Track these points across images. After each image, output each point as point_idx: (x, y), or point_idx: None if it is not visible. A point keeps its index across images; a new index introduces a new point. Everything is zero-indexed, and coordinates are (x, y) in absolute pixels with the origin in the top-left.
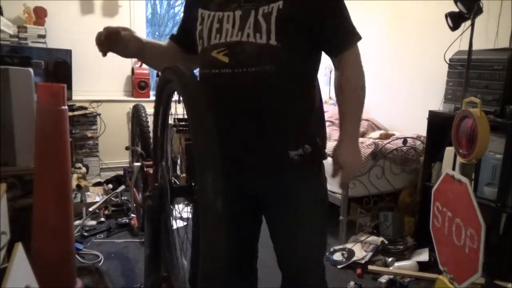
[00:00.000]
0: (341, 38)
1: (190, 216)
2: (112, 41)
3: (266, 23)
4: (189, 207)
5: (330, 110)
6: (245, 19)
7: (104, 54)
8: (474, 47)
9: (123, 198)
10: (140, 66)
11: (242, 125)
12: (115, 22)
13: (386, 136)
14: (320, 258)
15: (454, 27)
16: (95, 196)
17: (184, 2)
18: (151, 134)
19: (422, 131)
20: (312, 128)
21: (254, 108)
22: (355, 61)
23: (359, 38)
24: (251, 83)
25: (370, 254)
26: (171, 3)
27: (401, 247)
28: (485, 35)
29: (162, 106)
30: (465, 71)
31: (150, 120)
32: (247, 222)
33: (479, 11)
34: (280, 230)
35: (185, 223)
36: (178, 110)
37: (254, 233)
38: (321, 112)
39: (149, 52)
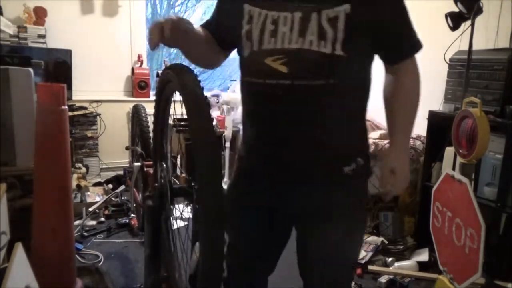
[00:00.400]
0: (406, 46)
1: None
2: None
3: (333, 29)
4: (189, 207)
5: None
6: (306, 23)
7: (154, 47)
8: (474, 47)
9: (123, 198)
10: (140, 66)
11: (296, 141)
12: (115, 22)
13: (386, 136)
14: (352, 271)
15: (454, 27)
16: (95, 196)
17: None
18: (151, 134)
19: (422, 131)
20: (364, 139)
21: (311, 123)
22: (414, 70)
23: (421, 46)
24: (313, 97)
25: (370, 254)
26: (171, 3)
27: (401, 247)
28: (485, 35)
29: (162, 106)
30: (465, 71)
31: (150, 120)
32: (277, 237)
33: (479, 11)
34: (319, 243)
35: (185, 223)
36: (178, 110)
37: (281, 248)
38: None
39: (197, 45)
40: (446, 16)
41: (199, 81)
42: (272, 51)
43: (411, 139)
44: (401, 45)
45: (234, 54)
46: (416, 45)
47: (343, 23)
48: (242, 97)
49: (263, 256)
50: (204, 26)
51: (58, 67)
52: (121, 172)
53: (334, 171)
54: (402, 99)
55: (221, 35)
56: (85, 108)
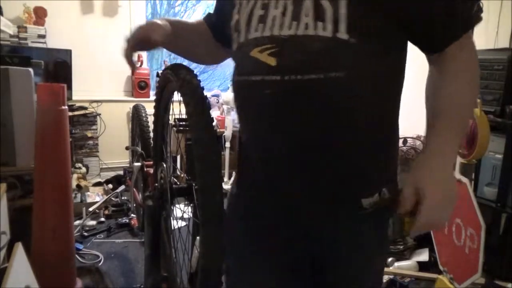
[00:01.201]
0: (449, 22)
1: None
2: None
3: (333, 6)
4: (189, 207)
5: None
6: (301, 1)
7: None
8: None
9: (123, 198)
10: (140, 66)
11: (293, 162)
12: (115, 22)
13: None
14: None
15: None
16: (95, 196)
17: None
18: (151, 134)
19: (422, 131)
20: (392, 162)
21: (313, 136)
22: (466, 56)
23: (478, 19)
24: (311, 97)
25: None
26: (171, 3)
27: (401, 247)
28: (485, 35)
29: (162, 106)
30: None
31: (150, 120)
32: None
33: (479, 11)
34: None
35: (185, 223)
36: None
37: None
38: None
39: (183, 41)
40: None
41: (199, 81)
42: (259, 39)
43: (410, 139)
44: (441, 22)
45: None
46: (468, 20)
47: None
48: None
49: None
50: (206, 19)
51: (58, 67)
52: (121, 172)
53: (348, 204)
54: (446, 95)
55: (218, 29)
56: (85, 108)
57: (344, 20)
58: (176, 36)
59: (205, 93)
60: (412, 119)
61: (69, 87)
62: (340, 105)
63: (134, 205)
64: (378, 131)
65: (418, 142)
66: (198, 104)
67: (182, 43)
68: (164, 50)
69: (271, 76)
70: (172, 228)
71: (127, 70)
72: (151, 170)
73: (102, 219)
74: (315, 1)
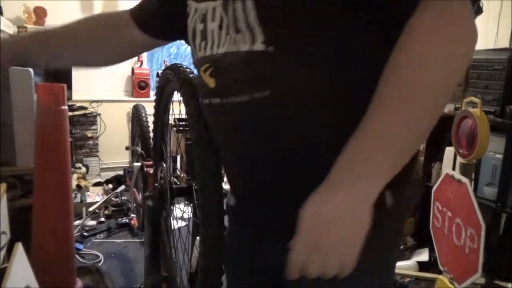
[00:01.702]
0: None
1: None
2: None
3: (244, 11)
4: (189, 207)
5: None
6: (227, 11)
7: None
8: None
9: (123, 198)
10: (140, 66)
11: (250, 188)
12: None
13: None
14: None
15: None
16: (95, 196)
17: None
18: (151, 134)
19: None
20: None
21: (260, 161)
22: (436, 24)
23: None
24: (244, 121)
25: None
26: None
27: (401, 247)
28: (485, 35)
29: (162, 106)
30: (465, 71)
31: (150, 120)
32: None
33: (479, 11)
34: None
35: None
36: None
37: None
38: None
39: (62, 48)
40: None
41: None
42: (203, 59)
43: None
44: None
45: None
46: None
47: None
48: None
49: None
50: (132, 11)
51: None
52: (121, 172)
53: None
54: (395, 65)
55: (152, 16)
56: (85, 108)
57: (257, 26)
58: (44, 47)
59: None
60: None
61: (69, 87)
62: (275, 128)
63: (134, 205)
64: (338, 144)
65: None
66: (198, 104)
67: (60, 51)
68: (164, 50)
69: (214, 99)
70: (172, 228)
71: (127, 70)
72: (151, 170)
73: (102, 219)
74: (233, 8)
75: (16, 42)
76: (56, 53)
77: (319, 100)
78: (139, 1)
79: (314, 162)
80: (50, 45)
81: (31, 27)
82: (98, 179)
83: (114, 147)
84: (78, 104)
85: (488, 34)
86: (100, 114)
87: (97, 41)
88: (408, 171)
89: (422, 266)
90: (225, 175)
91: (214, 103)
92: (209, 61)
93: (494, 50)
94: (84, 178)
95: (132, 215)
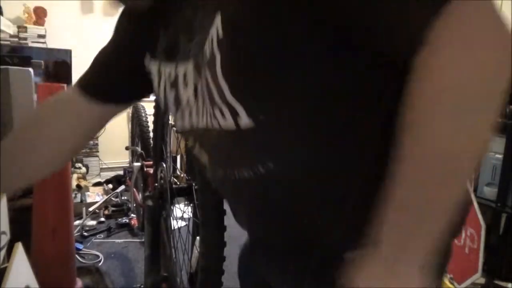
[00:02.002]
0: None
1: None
2: None
3: (214, 81)
4: (189, 207)
5: None
6: (198, 79)
7: None
8: None
9: (123, 198)
10: None
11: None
12: (115, 22)
13: None
14: None
15: None
16: (95, 196)
17: (116, 26)
18: (151, 134)
19: None
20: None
21: (274, 228)
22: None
23: None
24: (254, 193)
25: None
26: None
27: None
28: None
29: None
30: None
31: (150, 120)
32: None
33: None
34: None
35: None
36: None
37: None
38: None
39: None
40: None
41: None
42: (184, 131)
43: None
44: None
45: None
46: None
47: (220, 63)
48: None
49: None
50: (82, 86)
51: (58, 67)
52: (121, 172)
53: (328, 260)
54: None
55: (113, 86)
56: None
57: (232, 99)
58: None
59: None
60: None
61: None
62: (284, 194)
63: (134, 205)
64: (356, 192)
65: None
66: None
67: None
68: None
69: (215, 169)
70: (172, 228)
71: None
72: (151, 170)
73: (102, 219)
74: (206, 80)
75: None
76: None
77: (326, 159)
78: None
79: (326, 220)
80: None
81: (31, 27)
82: (98, 179)
83: (114, 147)
84: None
85: None
86: None
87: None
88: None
89: None
90: None
91: (217, 178)
92: (192, 135)
93: None
94: (84, 178)
95: (132, 215)
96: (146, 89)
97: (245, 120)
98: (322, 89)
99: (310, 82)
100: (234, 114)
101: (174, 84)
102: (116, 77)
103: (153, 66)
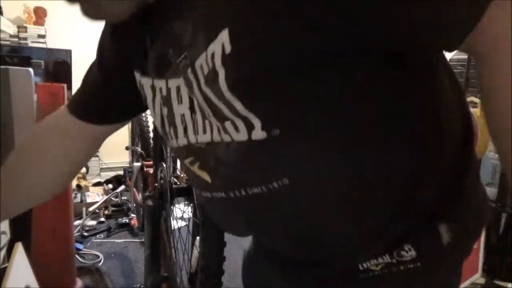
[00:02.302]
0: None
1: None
2: None
3: (219, 98)
4: (189, 207)
5: None
6: (192, 95)
7: None
8: None
9: (123, 198)
10: None
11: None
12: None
13: None
14: None
15: None
16: (95, 196)
17: (98, 45)
18: (151, 134)
19: None
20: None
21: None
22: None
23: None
24: (266, 209)
25: None
26: None
27: None
28: None
29: None
30: (465, 71)
31: (150, 120)
32: None
33: None
34: None
35: (185, 223)
36: None
37: None
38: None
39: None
40: None
41: None
42: (181, 150)
43: None
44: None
45: None
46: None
47: (225, 80)
48: None
49: None
50: (73, 110)
51: (58, 67)
52: (121, 172)
53: (345, 269)
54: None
55: (105, 107)
56: None
57: (248, 114)
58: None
59: None
60: None
61: (69, 87)
62: (302, 211)
63: (134, 205)
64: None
65: None
66: None
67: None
68: None
69: (217, 193)
70: (172, 228)
71: None
72: (151, 170)
73: (102, 219)
74: (200, 91)
75: None
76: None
77: (346, 174)
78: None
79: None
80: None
81: (31, 27)
82: (98, 179)
83: (114, 147)
84: None
85: None
86: None
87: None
88: (468, 191)
89: None
90: None
91: (219, 197)
92: (190, 153)
93: None
94: (84, 178)
95: (132, 215)
96: (139, 106)
97: (260, 133)
98: (344, 100)
99: (331, 93)
100: (249, 127)
101: (167, 100)
102: (107, 98)
103: (145, 83)
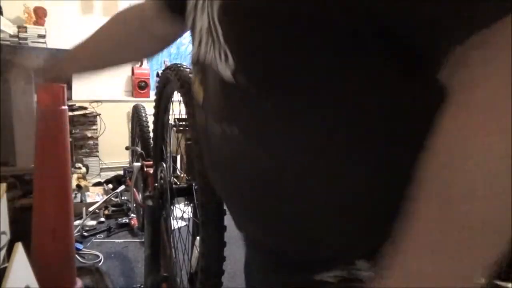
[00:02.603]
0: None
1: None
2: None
3: (213, 19)
4: (189, 207)
5: None
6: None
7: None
8: None
9: (123, 198)
10: (140, 66)
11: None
12: None
13: None
14: None
15: None
16: (95, 196)
17: None
18: (151, 134)
19: None
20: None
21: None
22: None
23: None
24: (217, 152)
25: None
26: None
27: None
28: None
29: (162, 106)
30: None
31: (150, 120)
32: None
33: None
34: None
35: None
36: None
37: None
38: None
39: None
40: None
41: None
42: (193, 59)
43: None
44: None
45: None
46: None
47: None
48: None
49: None
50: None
51: None
52: (121, 172)
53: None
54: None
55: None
56: (85, 108)
57: (224, 44)
58: (79, 67)
59: None
60: None
61: (69, 87)
62: (247, 165)
63: (134, 205)
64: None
65: None
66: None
67: (102, 58)
68: (165, 50)
69: (200, 114)
70: (172, 228)
71: (127, 70)
72: (151, 170)
73: (102, 219)
74: (207, 13)
75: (59, 67)
76: (89, 67)
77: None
78: (139, 1)
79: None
80: (84, 64)
81: (31, 27)
82: (98, 179)
83: (114, 147)
84: (78, 104)
85: None
86: (100, 114)
87: (126, 47)
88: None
89: None
90: None
91: (200, 122)
92: (197, 67)
93: None
94: (84, 178)
95: (132, 215)
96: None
97: (229, 69)
98: (328, 76)
99: (312, 62)
100: (225, 60)
101: (194, 9)
102: None
103: None
